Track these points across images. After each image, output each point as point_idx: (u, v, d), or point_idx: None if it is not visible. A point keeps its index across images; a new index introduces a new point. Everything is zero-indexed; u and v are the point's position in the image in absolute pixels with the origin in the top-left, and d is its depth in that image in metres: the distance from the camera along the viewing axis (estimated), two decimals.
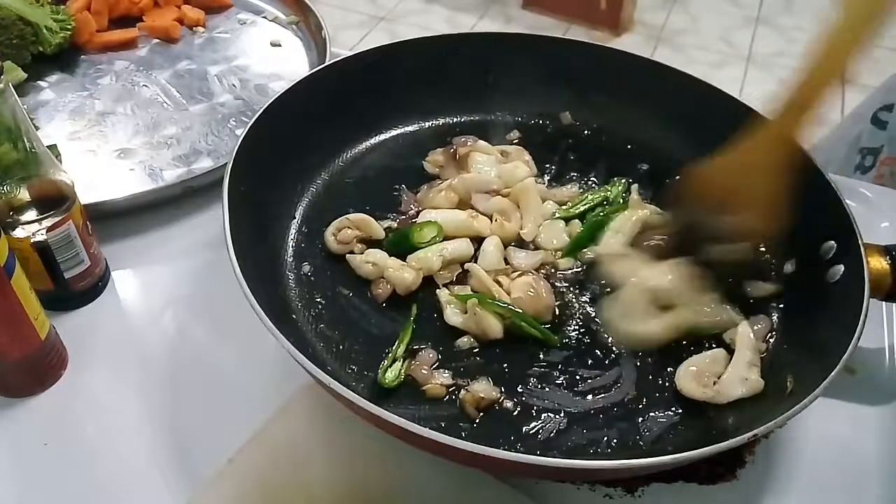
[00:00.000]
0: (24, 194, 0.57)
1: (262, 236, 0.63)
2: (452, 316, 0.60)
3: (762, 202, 0.58)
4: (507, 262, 0.65)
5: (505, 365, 0.58)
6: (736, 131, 0.70)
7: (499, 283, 0.61)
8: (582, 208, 0.69)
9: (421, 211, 0.67)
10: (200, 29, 1.00)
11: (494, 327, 0.58)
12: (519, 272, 0.63)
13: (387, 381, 0.55)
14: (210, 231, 0.72)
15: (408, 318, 0.60)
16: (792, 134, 0.58)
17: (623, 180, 0.72)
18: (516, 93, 0.79)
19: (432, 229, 0.64)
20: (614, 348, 0.59)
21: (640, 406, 0.56)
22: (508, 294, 0.60)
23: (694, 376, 0.56)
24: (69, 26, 0.91)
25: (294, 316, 0.60)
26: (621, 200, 0.70)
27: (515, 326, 0.59)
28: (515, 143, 0.76)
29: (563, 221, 0.68)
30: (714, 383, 0.55)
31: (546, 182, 0.72)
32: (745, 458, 0.57)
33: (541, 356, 0.58)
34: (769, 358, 0.58)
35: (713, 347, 0.59)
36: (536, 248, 0.66)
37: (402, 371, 0.56)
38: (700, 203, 0.61)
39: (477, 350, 0.58)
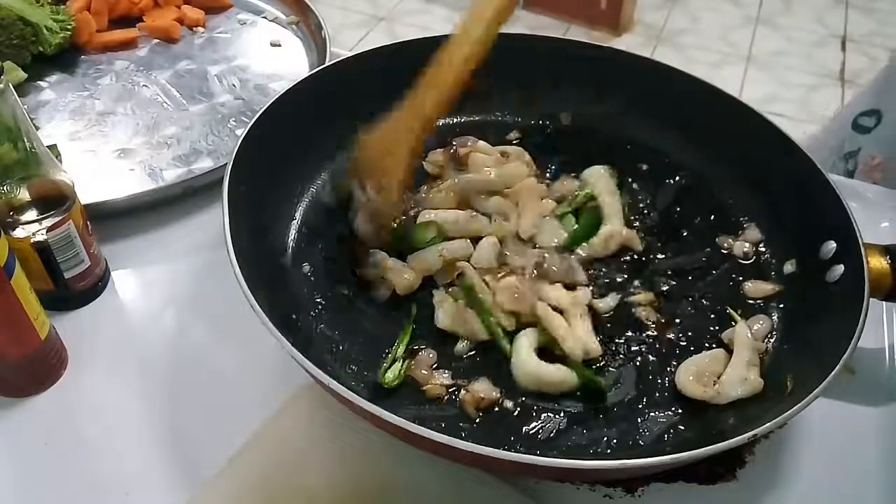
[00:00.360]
0: (24, 194, 0.57)
1: (262, 236, 0.63)
2: (442, 318, 0.59)
3: (388, 178, 0.63)
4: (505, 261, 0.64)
5: (505, 365, 0.58)
6: (736, 131, 0.71)
7: (486, 283, 0.61)
8: (575, 205, 0.69)
9: (420, 211, 0.67)
10: (200, 29, 1.00)
11: (481, 330, 0.58)
12: (504, 273, 0.62)
13: (387, 381, 0.55)
14: (210, 231, 0.72)
15: (408, 317, 0.60)
16: (417, 124, 0.63)
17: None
18: (516, 93, 0.79)
19: (431, 229, 0.64)
20: (612, 348, 0.59)
21: (640, 406, 0.56)
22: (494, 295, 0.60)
23: (694, 376, 0.56)
24: (69, 26, 0.91)
25: (294, 316, 0.60)
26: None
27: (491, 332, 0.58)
28: (515, 143, 0.76)
29: (558, 219, 0.68)
30: (714, 383, 0.55)
31: (546, 183, 0.72)
32: (745, 458, 0.57)
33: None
34: (769, 358, 0.59)
35: (713, 348, 0.59)
36: (535, 246, 0.66)
37: (402, 371, 0.56)
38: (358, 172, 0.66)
39: (475, 351, 0.58)
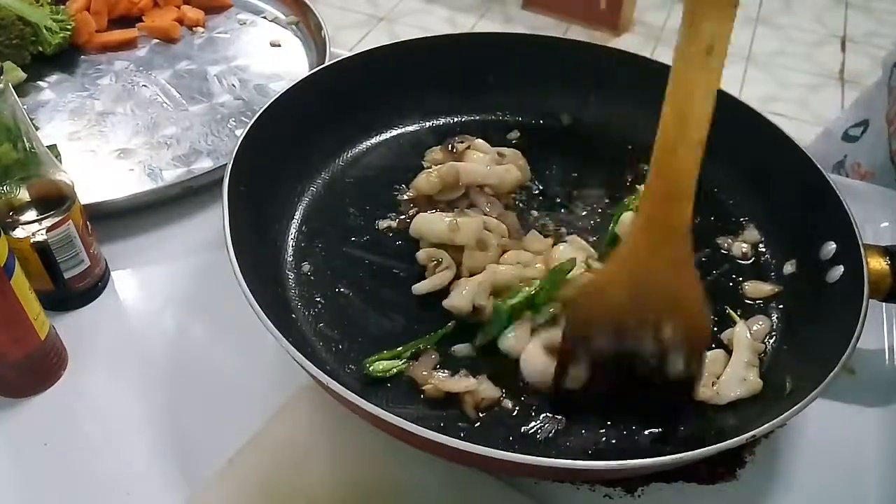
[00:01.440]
0: (23, 194, 0.57)
1: (261, 236, 0.63)
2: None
3: (677, 304, 0.50)
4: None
5: (504, 365, 0.58)
6: (736, 131, 0.71)
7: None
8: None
9: (416, 212, 0.67)
10: (200, 29, 1.00)
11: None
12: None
13: (374, 370, 0.55)
14: (210, 231, 0.72)
15: (408, 317, 0.60)
16: (673, 220, 0.50)
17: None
18: (516, 93, 0.79)
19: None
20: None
21: (641, 407, 0.56)
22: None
23: None
24: (69, 26, 0.91)
25: (294, 315, 0.60)
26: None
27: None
28: (515, 143, 0.76)
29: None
30: (713, 384, 0.55)
31: (537, 187, 0.72)
32: (744, 458, 0.57)
33: None
34: (768, 358, 0.59)
35: (712, 348, 0.59)
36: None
37: (396, 369, 0.56)
38: (602, 332, 0.51)
39: (476, 355, 0.58)
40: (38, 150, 0.57)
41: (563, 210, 0.70)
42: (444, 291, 0.61)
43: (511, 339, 0.57)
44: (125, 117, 0.84)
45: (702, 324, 0.52)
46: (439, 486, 0.53)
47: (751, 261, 0.67)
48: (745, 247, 0.67)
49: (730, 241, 0.68)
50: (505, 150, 0.73)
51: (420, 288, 0.61)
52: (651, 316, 0.51)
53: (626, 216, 0.65)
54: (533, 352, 0.57)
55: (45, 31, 0.88)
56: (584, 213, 0.70)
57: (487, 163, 0.70)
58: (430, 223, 0.63)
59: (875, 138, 0.92)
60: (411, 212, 0.68)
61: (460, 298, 0.59)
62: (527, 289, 0.58)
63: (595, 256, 0.63)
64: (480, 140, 0.74)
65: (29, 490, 0.54)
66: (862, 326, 0.51)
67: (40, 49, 0.89)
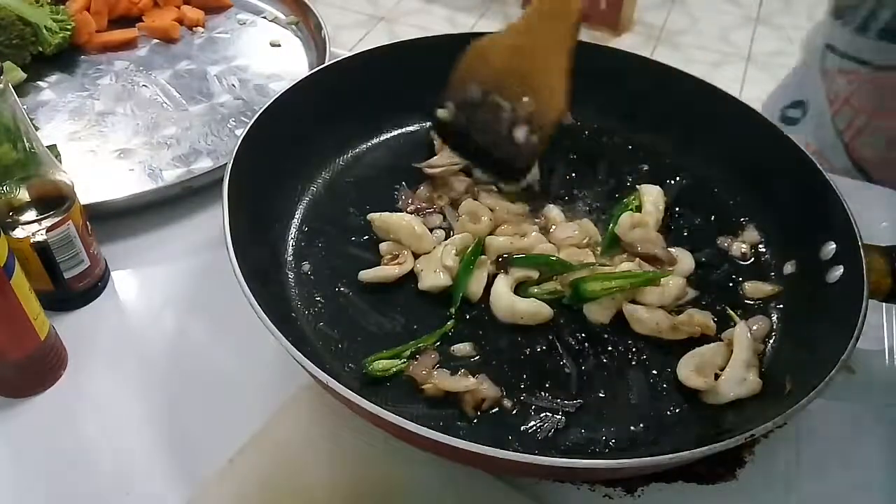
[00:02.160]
0: (23, 194, 0.57)
1: (261, 236, 0.63)
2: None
3: (543, 84, 0.61)
4: None
5: (504, 364, 0.58)
6: (736, 131, 0.71)
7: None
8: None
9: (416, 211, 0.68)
10: (200, 29, 1.00)
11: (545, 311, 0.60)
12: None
13: (375, 370, 0.55)
14: (210, 231, 0.72)
15: (407, 317, 0.60)
16: (561, 6, 0.61)
17: None
18: None
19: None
20: (611, 348, 0.59)
21: (640, 406, 0.56)
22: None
23: (695, 366, 0.56)
24: (69, 26, 0.91)
25: (294, 315, 0.60)
26: None
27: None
28: None
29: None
30: (715, 376, 0.56)
31: (538, 186, 0.72)
32: (744, 458, 0.57)
33: (539, 352, 0.59)
34: (768, 358, 0.59)
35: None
36: None
37: (395, 368, 0.56)
38: (479, 82, 0.64)
39: (476, 356, 0.58)
40: (37, 150, 0.57)
41: (563, 210, 0.70)
42: (444, 291, 0.62)
43: (473, 286, 0.61)
44: (125, 117, 0.84)
45: (556, 107, 0.64)
46: (439, 485, 0.53)
47: (751, 261, 0.67)
48: (744, 247, 0.67)
49: (730, 241, 0.68)
50: None
51: (365, 275, 0.62)
52: (517, 84, 0.64)
53: (626, 216, 0.66)
54: (500, 290, 0.61)
55: (44, 31, 0.88)
56: (583, 212, 0.70)
57: None
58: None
59: (818, 119, 0.94)
60: (410, 209, 0.68)
61: (430, 275, 0.61)
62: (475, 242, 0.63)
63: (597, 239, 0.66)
64: None
65: (29, 490, 0.54)
66: (861, 326, 0.51)
67: (40, 49, 0.89)
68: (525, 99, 0.65)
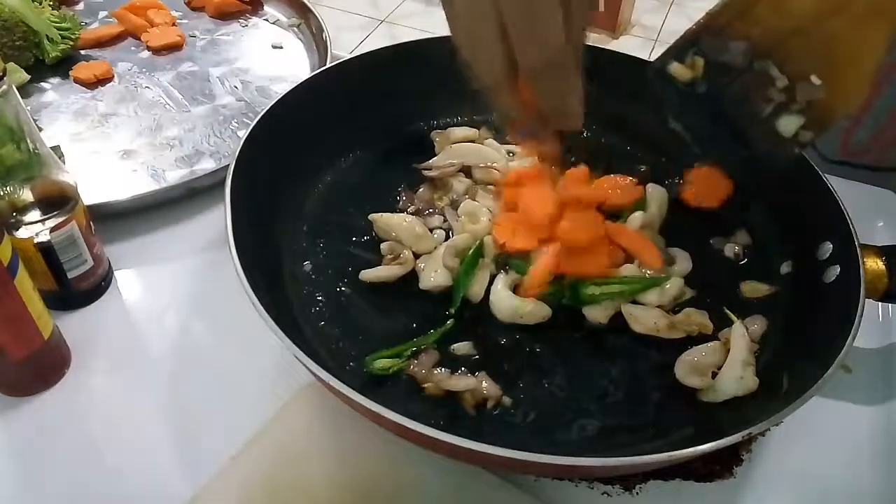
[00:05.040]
0: (27, 195, 0.58)
1: (263, 236, 0.63)
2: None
3: (846, 61, 0.44)
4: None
5: (504, 363, 0.58)
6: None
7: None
8: None
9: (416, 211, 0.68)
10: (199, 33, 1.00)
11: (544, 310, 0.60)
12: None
13: (376, 369, 0.56)
14: (212, 231, 0.73)
15: (408, 316, 0.61)
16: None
17: None
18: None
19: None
20: (610, 347, 0.60)
21: (639, 404, 0.56)
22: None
23: (692, 365, 0.57)
24: (73, 35, 0.91)
25: (295, 314, 0.60)
26: None
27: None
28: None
29: None
30: (713, 375, 0.56)
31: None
32: (741, 456, 0.57)
33: (538, 352, 0.59)
34: (765, 357, 0.59)
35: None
36: None
37: (396, 367, 0.56)
38: (751, 38, 0.45)
39: (476, 355, 0.59)
40: (41, 151, 0.57)
41: None
42: (445, 291, 0.62)
43: (475, 287, 0.62)
44: (128, 119, 0.85)
45: (851, 99, 0.45)
46: (440, 484, 0.54)
47: (747, 261, 0.67)
48: (735, 248, 0.68)
49: (724, 241, 0.69)
50: (515, 147, 0.74)
51: (366, 275, 0.63)
52: (808, 54, 0.44)
53: (637, 216, 0.66)
54: (500, 290, 0.61)
55: (46, 40, 0.89)
56: None
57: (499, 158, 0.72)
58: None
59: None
60: (410, 209, 0.69)
61: (431, 275, 0.62)
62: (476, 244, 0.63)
63: None
64: (491, 139, 0.75)
65: (31, 489, 0.54)
66: (858, 326, 0.52)
67: (41, 57, 0.89)
68: (813, 79, 0.46)
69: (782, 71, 0.46)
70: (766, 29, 0.46)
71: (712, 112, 0.50)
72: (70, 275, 0.63)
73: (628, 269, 0.62)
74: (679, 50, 0.51)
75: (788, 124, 0.48)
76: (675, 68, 0.51)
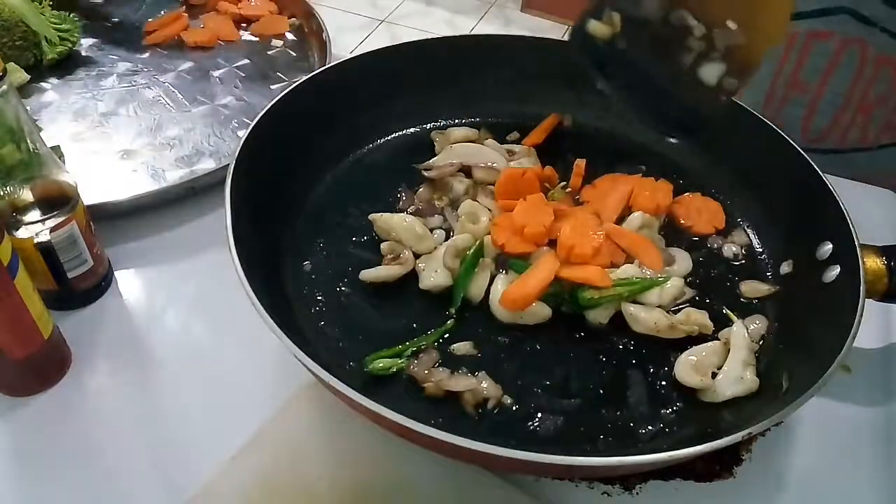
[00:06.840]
0: (27, 195, 0.58)
1: (263, 236, 0.63)
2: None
3: (761, 4, 0.45)
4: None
5: (504, 363, 0.58)
6: (734, 133, 0.71)
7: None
8: None
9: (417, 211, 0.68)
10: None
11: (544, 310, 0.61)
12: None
13: (376, 369, 0.56)
14: (212, 231, 0.72)
15: (408, 316, 0.61)
16: None
17: None
18: (516, 94, 0.79)
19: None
20: (610, 347, 0.60)
21: (638, 404, 0.56)
22: None
23: (693, 365, 0.57)
24: (73, 37, 0.91)
25: (295, 314, 0.60)
26: None
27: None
28: (514, 143, 0.77)
29: None
30: (713, 374, 0.56)
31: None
32: (741, 455, 0.57)
33: (539, 351, 0.59)
34: (765, 357, 0.59)
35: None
36: None
37: (396, 367, 0.56)
38: None
39: (476, 353, 0.59)
40: (41, 151, 0.57)
41: None
42: (445, 291, 0.62)
43: (475, 287, 0.62)
44: (128, 119, 0.85)
45: (769, 39, 0.46)
46: (439, 484, 0.54)
47: (747, 261, 0.67)
48: (734, 248, 0.68)
49: (725, 241, 0.69)
50: (514, 146, 0.75)
51: (366, 275, 0.62)
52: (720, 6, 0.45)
53: (636, 216, 0.66)
54: (500, 290, 0.60)
55: (45, 41, 0.88)
56: None
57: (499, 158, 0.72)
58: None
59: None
60: (410, 209, 0.69)
61: (431, 275, 0.62)
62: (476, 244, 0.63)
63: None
64: (491, 140, 0.75)
65: (31, 489, 0.54)
66: (858, 326, 0.52)
67: (40, 58, 0.89)
68: (729, 24, 0.47)
69: (698, 19, 0.48)
70: None
71: (638, 69, 0.51)
72: (70, 275, 0.63)
73: (628, 270, 0.62)
74: (596, 7, 0.51)
75: (711, 72, 0.49)
76: (594, 26, 0.52)
